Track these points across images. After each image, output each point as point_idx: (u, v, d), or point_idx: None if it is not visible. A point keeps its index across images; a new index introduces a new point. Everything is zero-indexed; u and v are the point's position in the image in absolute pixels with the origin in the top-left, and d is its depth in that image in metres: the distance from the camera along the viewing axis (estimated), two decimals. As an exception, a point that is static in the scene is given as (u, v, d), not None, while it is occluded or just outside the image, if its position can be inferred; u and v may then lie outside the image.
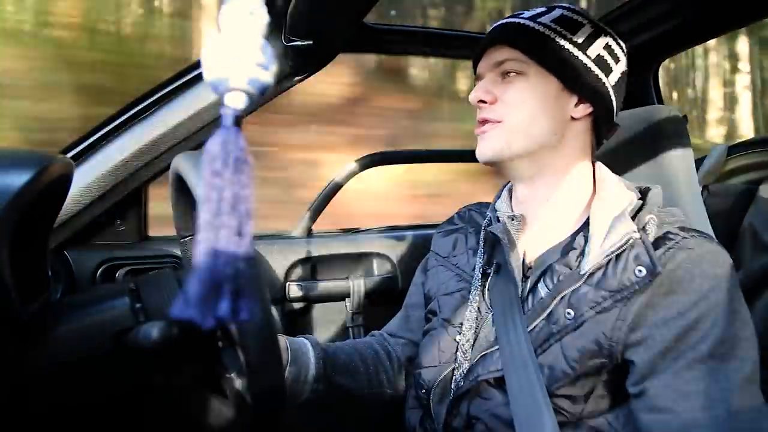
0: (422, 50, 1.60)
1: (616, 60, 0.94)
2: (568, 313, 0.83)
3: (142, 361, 0.79)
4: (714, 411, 0.74)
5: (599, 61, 0.92)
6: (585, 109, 0.93)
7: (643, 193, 0.93)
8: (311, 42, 1.17)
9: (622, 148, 1.16)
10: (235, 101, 0.47)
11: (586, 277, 0.84)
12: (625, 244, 0.83)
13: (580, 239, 0.89)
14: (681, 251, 0.80)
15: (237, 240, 0.47)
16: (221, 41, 0.46)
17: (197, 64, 1.22)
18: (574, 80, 0.91)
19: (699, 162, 1.52)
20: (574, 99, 0.92)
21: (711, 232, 1.07)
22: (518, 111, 0.91)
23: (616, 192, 0.91)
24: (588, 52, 0.91)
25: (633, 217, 0.87)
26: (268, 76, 0.47)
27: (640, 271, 0.80)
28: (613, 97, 0.94)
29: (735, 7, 1.33)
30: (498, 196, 1.07)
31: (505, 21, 0.97)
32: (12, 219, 0.67)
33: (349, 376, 1.05)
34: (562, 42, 0.90)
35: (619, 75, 0.95)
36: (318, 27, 1.13)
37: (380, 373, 1.09)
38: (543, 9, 0.95)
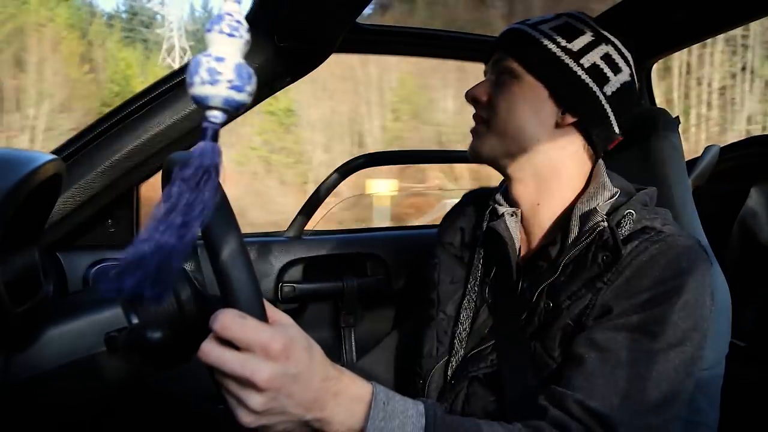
0: (416, 51, 1.60)
1: (616, 70, 0.92)
2: (547, 305, 0.86)
3: (135, 362, 0.78)
4: (619, 372, 0.75)
5: (593, 70, 0.90)
6: (570, 117, 0.92)
7: (637, 192, 0.93)
8: (303, 43, 1.17)
9: (613, 149, 1.17)
10: (214, 117, 0.51)
11: (561, 268, 0.86)
12: (593, 233, 0.84)
13: (560, 234, 0.91)
14: (654, 244, 0.81)
15: (176, 236, 0.50)
16: (204, 60, 0.49)
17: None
18: (560, 89, 0.91)
19: (691, 163, 1.52)
20: (561, 107, 0.92)
21: (702, 233, 1.07)
22: (504, 113, 0.93)
23: (599, 189, 0.91)
24: (582, 61, 0.90)
25: (611, 213, 0.88)
26: (243, 97, 0.51)
27: (607, 257, 0.82)
28: (607, 108, 0.92)
29: (730, 6, 1.33)
30: (500, 188, 1.06)
31: (509, 27, 0.98)
32: (3, 220, 0.67)
33: None
34: (555, 50, 0.91)
35: (619, 86, 0.92)
36: (310, 28, 1.13)
37: None
38: (550, 16, 0.96)
